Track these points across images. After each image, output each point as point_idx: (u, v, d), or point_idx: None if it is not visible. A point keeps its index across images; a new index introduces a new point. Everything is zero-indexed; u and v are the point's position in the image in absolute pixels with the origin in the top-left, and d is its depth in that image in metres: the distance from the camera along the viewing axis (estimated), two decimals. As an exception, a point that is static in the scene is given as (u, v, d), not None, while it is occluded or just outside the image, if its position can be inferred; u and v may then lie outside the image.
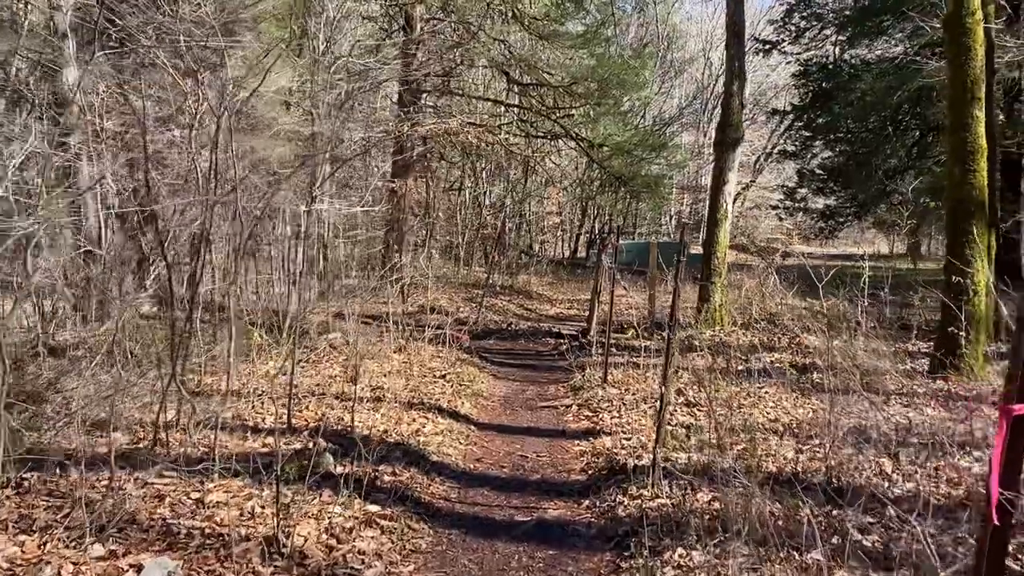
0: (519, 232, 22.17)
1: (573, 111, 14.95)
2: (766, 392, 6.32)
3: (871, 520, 3.36)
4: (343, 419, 5.05)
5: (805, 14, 23.48)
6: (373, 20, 15.94)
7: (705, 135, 40.66)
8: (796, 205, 27.80)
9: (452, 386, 6.54)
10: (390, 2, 14.73)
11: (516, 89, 14.55)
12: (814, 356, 7.75)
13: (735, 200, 42.40)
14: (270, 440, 4.60)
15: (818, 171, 25.99)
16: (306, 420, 5.20)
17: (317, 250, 14.92)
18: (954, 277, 6.58)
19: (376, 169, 17.36)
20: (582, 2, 15.31)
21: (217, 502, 3.50)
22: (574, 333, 9.61)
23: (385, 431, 4.89)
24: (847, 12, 22.37)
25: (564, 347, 9.01)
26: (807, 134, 24.78)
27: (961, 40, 6.54)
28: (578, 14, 15.22)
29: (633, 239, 33.27)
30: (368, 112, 15.35)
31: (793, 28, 23.06)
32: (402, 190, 15.58)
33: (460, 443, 5.00)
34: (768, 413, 5.69)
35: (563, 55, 15.06)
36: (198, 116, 5.36)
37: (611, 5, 14.48)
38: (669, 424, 5.44)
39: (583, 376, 7.16)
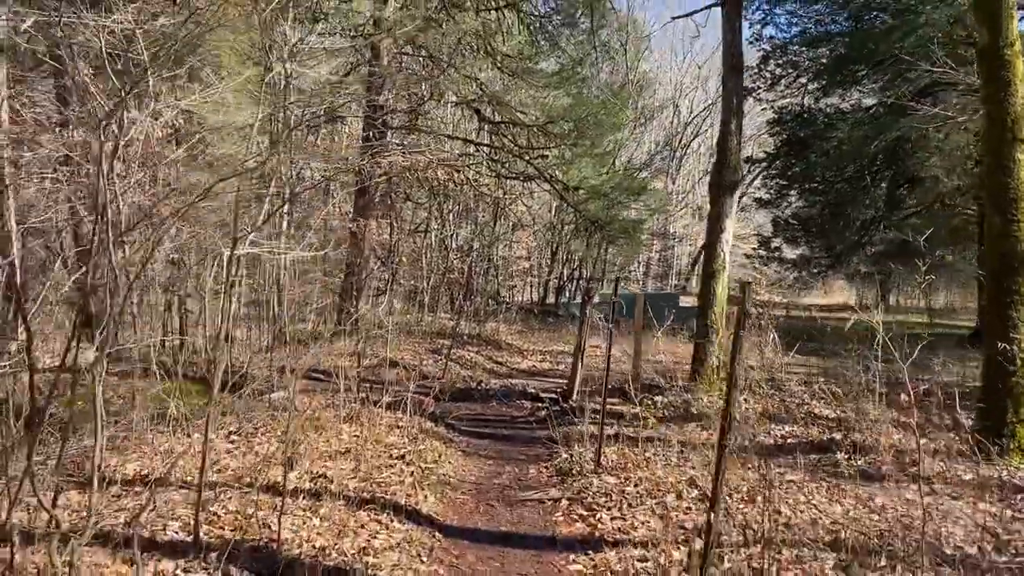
0: (487, 277, 21.15)
1: (547, 152, 14.12)
2: (789, 480, 5.28)
3: None
4: (269, 527, 3.86)
5: (781, 61, 23.24)
6: (338, 54, 15.05)
7: (674, 182, 40.53)
8: (771, 255, 27.35)
9: (413, 470, 5.36)
10: (356, 34, 13.83)
11: (488, 127, 13.67)
12: (833, 429, 6.77)
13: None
14: (166, 567, 3.39)
15: (792, 220, 25.62)
16: (222, 527, 4.00)
17: (267, 294, 13.67)
18: (998, 343, 5.69)
19: (337, 209, 16.28)
20: (557, 41, 14.62)
21: None
22: (553, 395, 8.49)
23: (323, 548, 3.71)
24: (823, 60, 22.16)
25: (543, 412, 7.91)
26: (782, 182, 24.39)
27: (999, 74, 5.76)
28: (553, 52, 14.50)
29: (602, 286, 32.54)
30: (329, 148, 14.30)
31: (769, 75, 22.80)
32: (363, 231, 14.49)
33: (422, 562, 3.82)
34: (801, 510, 4.64)
35: (537, 94, 14.30)
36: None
37: (589, 43, 13.77)
38: (682, 527, 4.36)
39: (570, 456, 6.03)
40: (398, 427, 6.47)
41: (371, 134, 13.67)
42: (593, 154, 13.50)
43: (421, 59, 13.56)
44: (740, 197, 43.34)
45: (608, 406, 7.94)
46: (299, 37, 11.88)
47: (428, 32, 12.54)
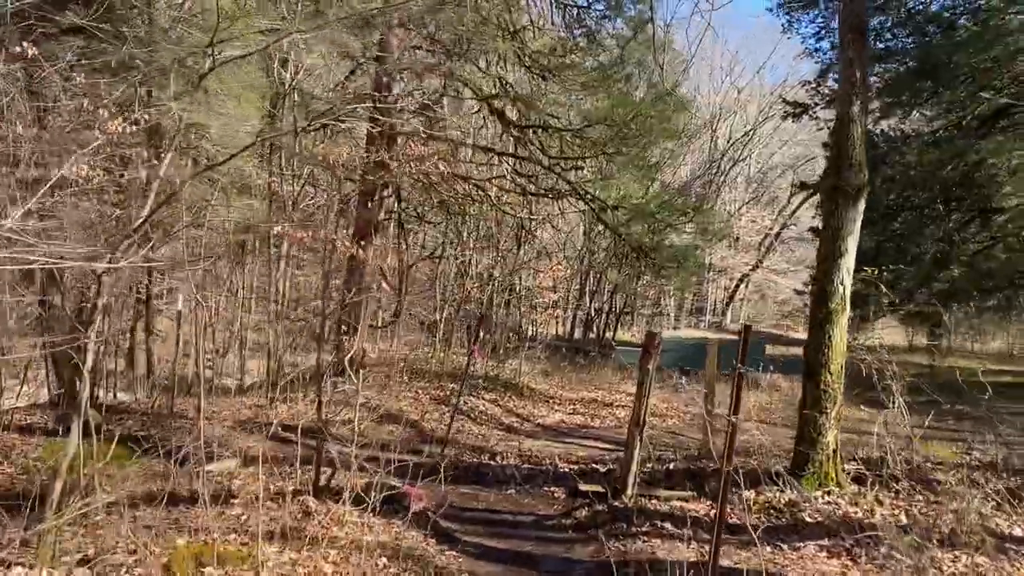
0: (509, 309, 18.83)
1: (583, 163, 11.86)
2: None
3: None
4: None
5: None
6: (349, 56, 13.03)
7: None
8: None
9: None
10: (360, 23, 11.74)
11: (513, 131, 11.45)
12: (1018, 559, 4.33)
13: (742, 283, 39.25)
14: None
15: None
16: None
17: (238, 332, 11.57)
18: None
19: (346, 231, 14.16)
20: (596, 35, 12.45)
21: None
22: (598, 488, 6.05)
23: None
24: (889, 76, 19.75)
25: (583, 510, 5.52)
26: (839, 210, 21.86)
27: None
28: (591, 50, 12.31)
29: (630, 324, 29.89)
30: (328, 151, 12.16)
31: (828, 91, 20.48)
32: (364, 255, 12.30)
33: None
34: None
35: (570, 97, 12.10)
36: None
37: (635, 39, 11.58)
38: None
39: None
40: (359, 549, 4.12)
41: (376, 141, 11.55)
42: (638, 165, 11.23)
43: (434, 52, 11.45)
44: (782, 227, 40.63)
45: (671, 498, 5.55)
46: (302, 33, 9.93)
47: (441, 15, 10.42)
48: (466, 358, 8.18)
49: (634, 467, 5.30)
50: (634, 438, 5.20)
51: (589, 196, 11.96)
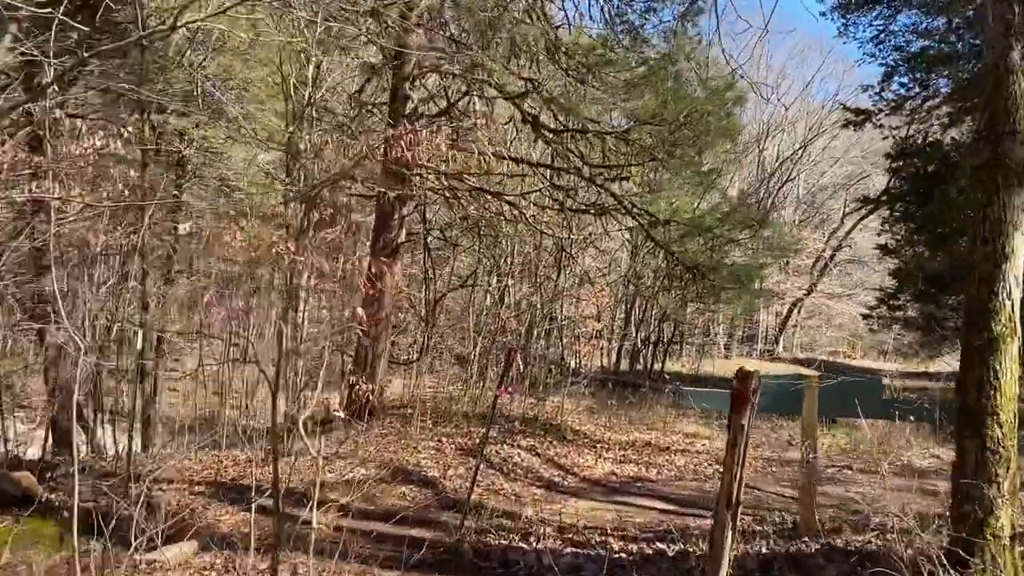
0: (549, 340, 17.25)
1: (630, 171, 10.34)
2: None
3: None
4: None
5: (906, 79, 19.05)
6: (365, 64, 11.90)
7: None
8: (893, 315, 22.64)
9: None
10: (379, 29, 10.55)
11: (548, 136, 10.02)
12: None
13: (795, 308, 36.84)
14: None
15: (915, 272, 20.87)
16: None
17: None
18: None
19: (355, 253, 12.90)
20: (639, 32, 11.02)
21: None
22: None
23: None
24: (965, 77, 17.84)
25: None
26: (912, 225, 19.84)
27: None
28: (636, 46, 10.86)
29: (678, 354, 27.80)
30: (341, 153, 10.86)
31: (892, 96, 18.66)
32: (383, 281, 10.94)
33: None
34: None
35: (613, 98, 10.65)
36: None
37: (685, 31, 10.11)
38: None
39: None
40: None
41: (395, 147, 10.25)
42: (694, 171, 9.69)
43: (458, 49, 10.15)
44: (836, 249, 38.32)
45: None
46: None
47: (460, 8, 9.13)
48: (498, 398, 6.66)
49: (725, 566, 3.68)
50: (725, 526, 3.59)
51: (637, 210, 10.43)
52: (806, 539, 5.03)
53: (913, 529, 4.15)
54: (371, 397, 11.01)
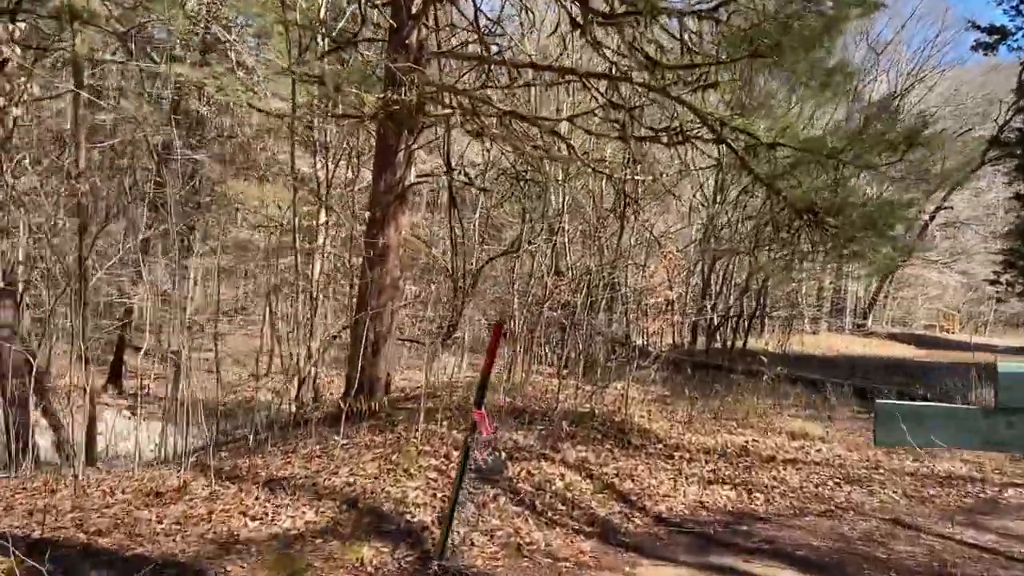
0: (611, 314, 14.33)
1: (719, 75, 7.29)
2: None
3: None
4: None
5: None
6: None
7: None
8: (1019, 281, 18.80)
9: None
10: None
11: (597, 24, 7.05)
12: None
13: (887, 279, 32.49)
14: None
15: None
16: None
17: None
18: None
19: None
20: None
21: None
22: None
23: None
24: None
25: None
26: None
27: None
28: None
29: (761, 333, 24.20)
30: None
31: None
32: (386, 235, 8.26)
33: None
34: None
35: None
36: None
37: None
38: None
39: None
40: None
41: (399, 61, 7.54)
42: (814, 71, 6.59)
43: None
44: (935, 210, 33.79)
45: None
46: None
47: None
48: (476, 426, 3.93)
49: None
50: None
51: (728, 129, 7.39)
52: None
53: None
54: (371, 387, 8.41)
